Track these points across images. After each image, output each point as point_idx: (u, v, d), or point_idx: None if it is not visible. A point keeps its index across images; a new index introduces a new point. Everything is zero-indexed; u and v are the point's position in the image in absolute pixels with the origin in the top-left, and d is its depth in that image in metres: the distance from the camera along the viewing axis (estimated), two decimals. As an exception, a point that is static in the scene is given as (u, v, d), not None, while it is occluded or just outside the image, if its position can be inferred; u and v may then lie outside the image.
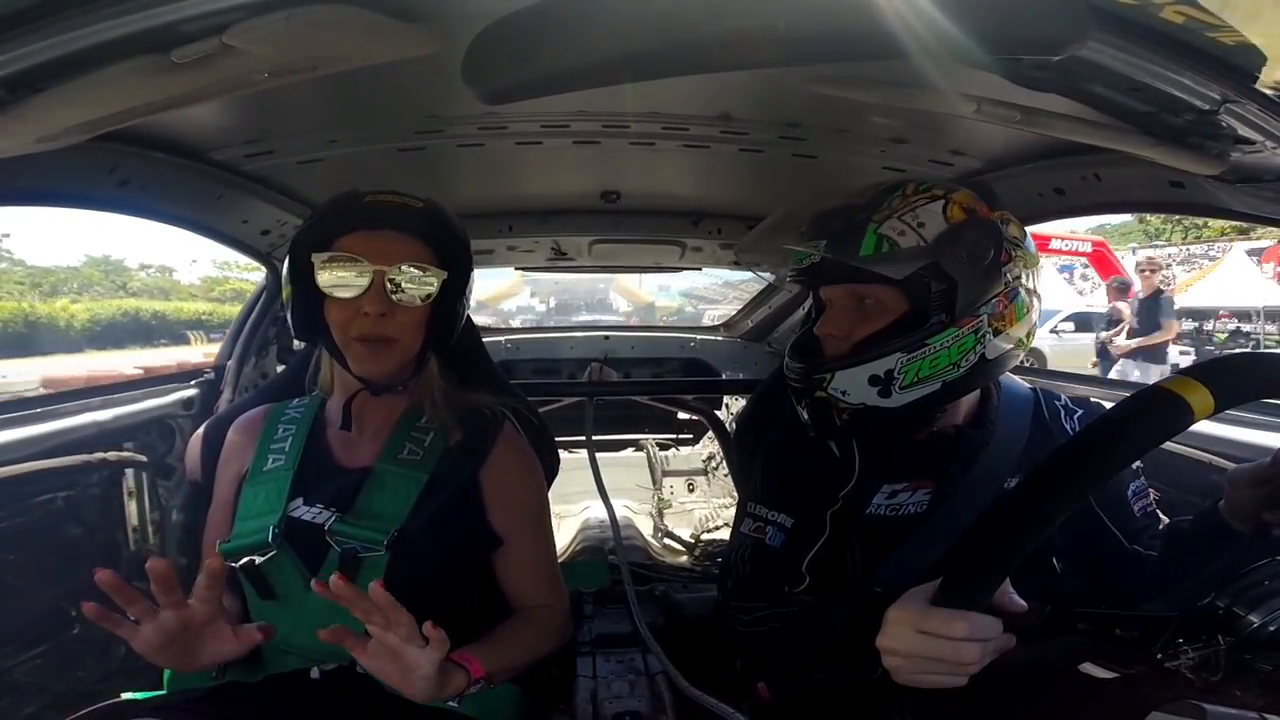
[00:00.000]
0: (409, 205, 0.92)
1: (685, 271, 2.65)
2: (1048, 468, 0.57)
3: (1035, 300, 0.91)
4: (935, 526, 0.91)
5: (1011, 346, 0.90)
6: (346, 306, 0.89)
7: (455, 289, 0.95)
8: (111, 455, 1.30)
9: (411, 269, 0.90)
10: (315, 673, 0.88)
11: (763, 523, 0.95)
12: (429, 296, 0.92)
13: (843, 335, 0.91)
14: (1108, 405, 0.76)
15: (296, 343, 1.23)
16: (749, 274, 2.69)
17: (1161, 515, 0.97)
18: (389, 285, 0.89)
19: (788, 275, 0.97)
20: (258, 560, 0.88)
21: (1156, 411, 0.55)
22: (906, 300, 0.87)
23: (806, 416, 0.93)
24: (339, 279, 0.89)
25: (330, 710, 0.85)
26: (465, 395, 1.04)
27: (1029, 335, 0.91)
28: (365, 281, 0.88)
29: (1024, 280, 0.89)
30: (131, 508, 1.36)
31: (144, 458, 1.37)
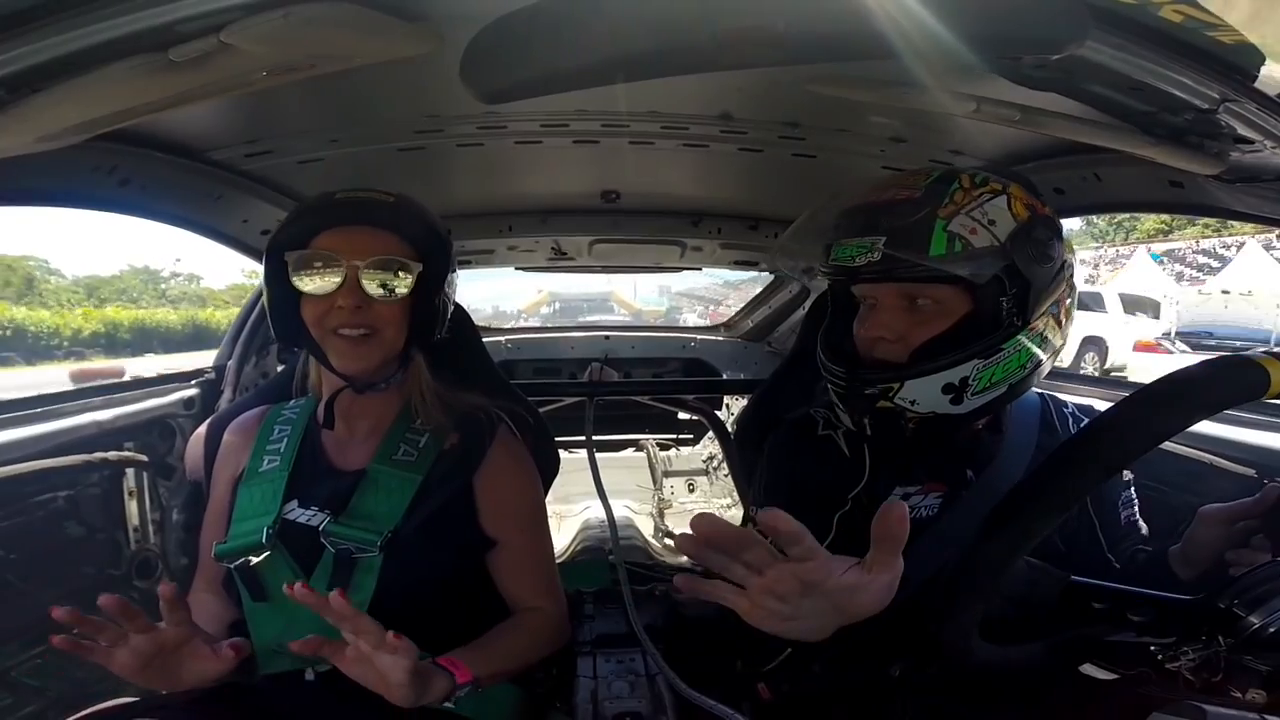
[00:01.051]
0: (380, 200, 0.92)
1: (685, 272, 2.64)
2: (1132, 403, 0.57)
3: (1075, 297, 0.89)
4: (945, 531, 0.88)
5: (1058, 347, 0.87)
6: (322, 302, 0.89)
7: (432, 281, 0.94)
8: (112, 455, 1.30)
9: (385, 261, 0.90)
10: (310, 674, 0.88)
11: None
12: (405, 289, 0.92)
13: (896, 338, 0.84)
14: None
15: None
16: (747, 274, 2.69)
17: (1142, 524, 0.97)
18: (363, 279, 0.89)
19: (828, 271, 0.89)
20: (253, 561, 0.88)
21: (1239, 374, 0.56)
22: (972, 300, 0.81)
23: (852, 423, 0.88)
24: (313, 276, 0.89)
25: (326, 711, 0.85)
26: (459, 397, 1.03)
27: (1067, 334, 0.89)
28: (339, 277, 0.88)
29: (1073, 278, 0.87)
30: (132, 507, 1.36)
31: (144, 457, 1.37)
